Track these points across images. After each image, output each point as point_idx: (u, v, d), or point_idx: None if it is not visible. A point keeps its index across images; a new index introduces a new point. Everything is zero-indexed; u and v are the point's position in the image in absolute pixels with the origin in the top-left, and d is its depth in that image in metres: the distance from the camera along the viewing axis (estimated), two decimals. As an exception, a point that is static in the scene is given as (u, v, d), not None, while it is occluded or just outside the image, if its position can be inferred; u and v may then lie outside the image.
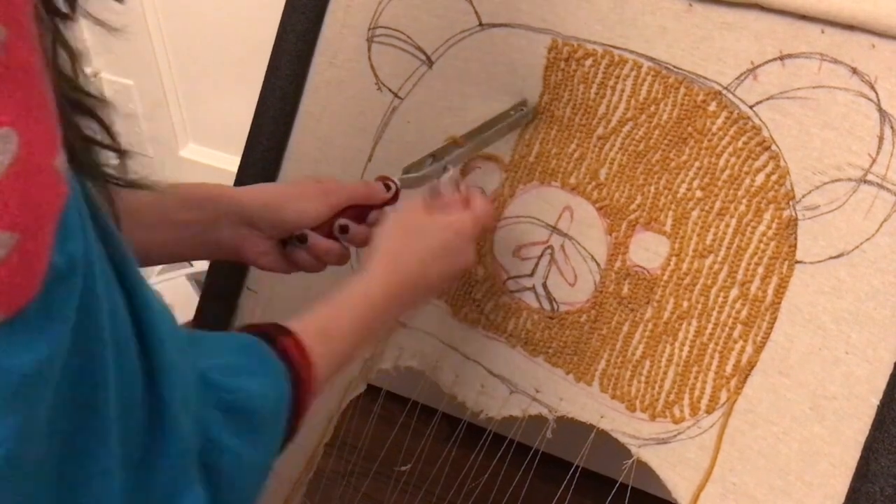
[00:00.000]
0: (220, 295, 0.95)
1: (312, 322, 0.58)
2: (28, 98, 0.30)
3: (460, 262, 0.71)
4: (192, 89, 1.42)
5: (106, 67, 1.45)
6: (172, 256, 0.71)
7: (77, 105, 0.38)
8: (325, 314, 0.60)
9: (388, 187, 0.75)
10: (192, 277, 1.44)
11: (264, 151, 0.92)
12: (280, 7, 0.91)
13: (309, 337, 0.55)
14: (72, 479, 0.37)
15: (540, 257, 0.81)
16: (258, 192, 0.73)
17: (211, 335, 0.52)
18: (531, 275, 0.81)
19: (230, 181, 0.91)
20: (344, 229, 0.72)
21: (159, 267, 1.44)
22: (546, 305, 0.81)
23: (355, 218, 0.74)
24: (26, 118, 0.30)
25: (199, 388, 0.45)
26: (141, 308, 0.41)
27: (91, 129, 0.39)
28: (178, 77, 1.41)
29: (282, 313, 0.58)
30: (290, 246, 0.73)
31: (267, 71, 0.92)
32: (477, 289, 0.84)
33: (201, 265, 1.40)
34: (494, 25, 0.82)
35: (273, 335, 0.54)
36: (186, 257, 0.74)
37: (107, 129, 0.40)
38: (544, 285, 0.81)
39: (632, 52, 0.76)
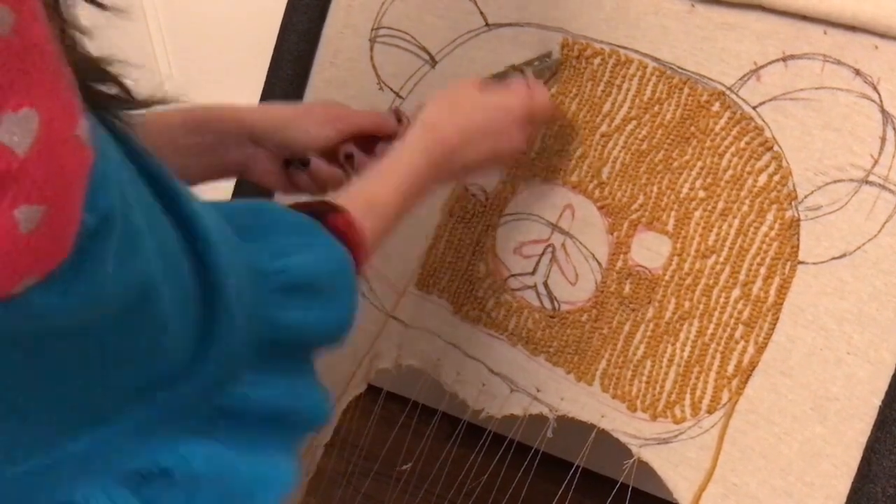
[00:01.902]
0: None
1: (359, 195, 0.59)
2: (44, 76, 0.30)
3: (504, 143, 0.71)
4: (193, 89, 1.41)
5: (105, 67, 1.44)
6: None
7: (89, 70, 0.39)
8: (370, 187, 0.61)
9: (399, 120, 0.74)
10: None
11: (266, 150, 0.92)
12: (281, 7, 0.91)
13: (356, 210, 0.57)
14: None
15: (541, 255, 0.81)
16: (265, 112, 0.72)
17: (261, 220, 0.53)
18: (532, 273, 0.81)
19: (231, 181, 0.90)
20: (349, 157, 0.72)
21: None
22: (547, 304, 0.81)
23: (363, 147, 0.73)
24: (44, 96, 0.30)
25: (254, 282, 0.47)
26: (191, 226, 0.42)
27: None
28: (178, 77, 1.40)
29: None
30: (292, 167, 0.72)
31: (268, 71, 0.92)
32: (478, 286, 0.84)
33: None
34: (501, 25, 0.82)
35: (321, 212, 0.56)
36: (191, 182, 0.72)
37: (120, 84, 0.41)
38: (545, 284, 0.81)
39: (637, 52, 0.77)
